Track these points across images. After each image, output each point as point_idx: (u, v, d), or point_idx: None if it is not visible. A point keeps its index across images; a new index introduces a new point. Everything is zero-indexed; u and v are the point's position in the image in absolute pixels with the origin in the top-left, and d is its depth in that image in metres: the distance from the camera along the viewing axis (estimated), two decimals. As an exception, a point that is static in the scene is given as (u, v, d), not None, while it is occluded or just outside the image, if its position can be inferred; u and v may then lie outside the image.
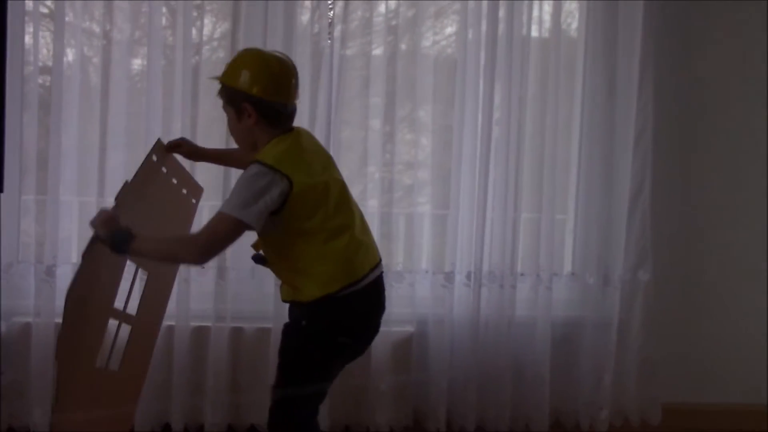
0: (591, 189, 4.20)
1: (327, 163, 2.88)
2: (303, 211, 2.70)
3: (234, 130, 2.83)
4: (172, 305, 3.58)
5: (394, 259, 4.14)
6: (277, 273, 2.90)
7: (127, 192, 2.91)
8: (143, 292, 3.13)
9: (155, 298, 3.25)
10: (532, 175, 4.17)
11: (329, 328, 2.78)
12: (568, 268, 4.30)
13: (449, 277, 4.10)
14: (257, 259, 2.90)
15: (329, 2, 4.09)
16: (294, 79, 2.82)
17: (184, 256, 2.73)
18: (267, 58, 2.82)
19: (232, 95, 2.76)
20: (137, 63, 4.08)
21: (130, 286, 3.10)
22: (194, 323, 3.95)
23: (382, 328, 3.04)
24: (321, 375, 2.84)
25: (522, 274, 4.17)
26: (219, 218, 2.64)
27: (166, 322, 3.54)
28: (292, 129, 2.85)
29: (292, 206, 2.67)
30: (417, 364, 4.08)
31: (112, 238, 2.66)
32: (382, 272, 2.94)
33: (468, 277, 4.09)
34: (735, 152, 4.36)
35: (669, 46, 4.24)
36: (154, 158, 3.12)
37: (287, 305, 2.92)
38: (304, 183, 2.68)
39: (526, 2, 4.11)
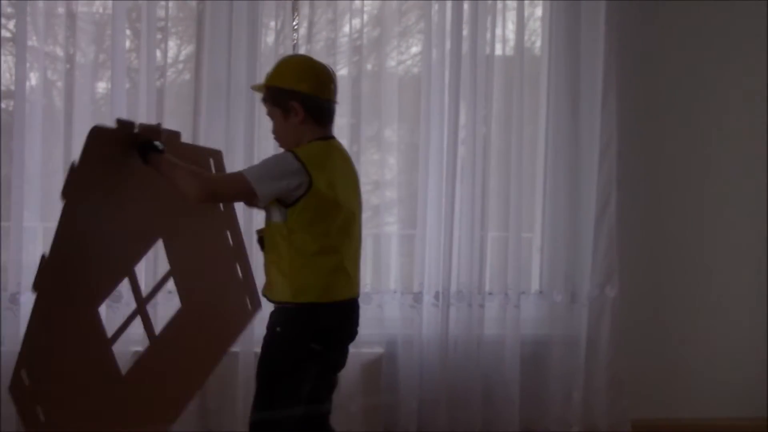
0: (557, 206, 4.22)
1: (350, 187, 2.94)
2: (308, 215, 2.76)
3: (280, 131, 2.91)
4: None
5: (362, 280, 4.10)
6: (265, 264, 2.94)
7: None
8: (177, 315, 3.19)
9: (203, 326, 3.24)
10: (499, 194, 4.20)
11: (302, 333, 2.83)
12: (535, 286, 4.31)
13: (417, 297, 4.11)
14: (260, 241, 2.95)
15: (294, 24, 4.09)
16: (334, 77, 2.95)
17: (189, 189, 2.74)
18: (311, 60, 3.04)
19: (279, 95, 2.86)
20: (102, 86, 4.07)
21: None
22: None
23: (352, 349, 3.03)
24: (297, 385, 2.85)
25: (490, 293, 4.18)
26: (235, 175, 2.81)
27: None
28: (332, 138, 2.93)
29: (301, 207, 2.75)
30: (387, 384, 4.07)
31: (145, 142, 2.82)
32: (357, 304, 3.00)
33: (436, 297, 4.09)
34: (702, 165, 4.40)
35: (631, 61, 4.28)
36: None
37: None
38: (321, 190, 2.75)
39: (489, 21, 4.14)
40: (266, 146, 3.97)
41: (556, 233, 4.23)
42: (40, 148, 3.93)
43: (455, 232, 4.11)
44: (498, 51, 4.20)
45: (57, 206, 3.78)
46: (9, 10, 3.94)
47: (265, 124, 3.97)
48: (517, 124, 4.18)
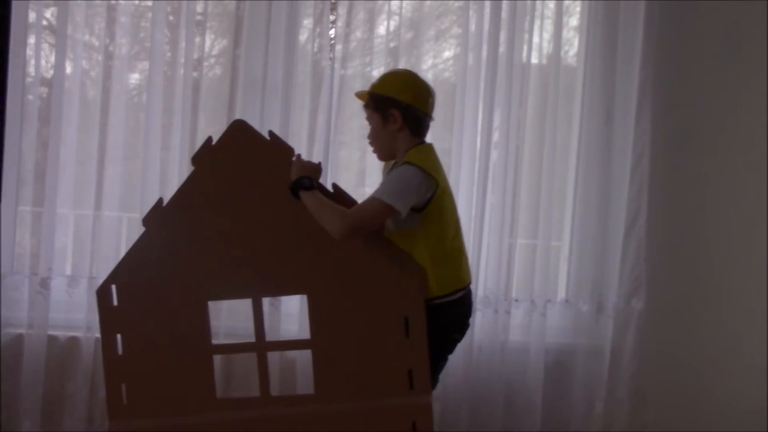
0: (587, 216, 4.20)
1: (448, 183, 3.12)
2: (436, 211, 2.97)
3: (377, 136, 3.11)
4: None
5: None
6: None
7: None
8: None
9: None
10: (529, 201, 4.18)
11: (447, 326, 3.05)
12: (562, 295, 4.29)
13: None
14: None
15: (332, 21, 4.11)
16: (433, 97, 3.14)
17: (332, 226, 2.83)
18: (414, 74, 3.19)
19: (380, 103, 3.06)
20: (135, 78, 4.11)
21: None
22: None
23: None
24: (435, 368, 3.07)
25: (516, 300, 4.17)
26: (371, 202, 2.89)
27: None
28: (425, 142, 3.12)
29: (433, 207, 2.96)
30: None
31: (298, 180, 2.92)
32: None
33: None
34: (734, 181, 4.34)
35: (668, 73, 4.25)
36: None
37: None
38: (444, 188, 2.99)
39: (526, 28, 4.14)
40: (297, 144, 4.03)
41: (584, 243, 4.21)
42: (75, 136, 3.97)
43: (484, 237, 4.11)
44: (534, 59, 4.20)
45: (90, 194, 3.93)
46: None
47: (297, 122, 4.07)
48: (550, 133, 4.17)
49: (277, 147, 3.01)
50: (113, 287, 2.96)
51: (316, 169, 3.02)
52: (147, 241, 2.99)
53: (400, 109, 3.02)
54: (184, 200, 2.99)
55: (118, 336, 2.96)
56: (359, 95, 3.17)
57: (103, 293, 2.96)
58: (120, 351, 2.96)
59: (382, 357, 2.97)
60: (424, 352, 2.94)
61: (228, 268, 3.00)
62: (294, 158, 3.02)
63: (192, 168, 3.03)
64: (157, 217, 2.99)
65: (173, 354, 2.99)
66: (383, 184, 2.95)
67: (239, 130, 3.01)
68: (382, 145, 3.12)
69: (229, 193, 2.99)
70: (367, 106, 3.12)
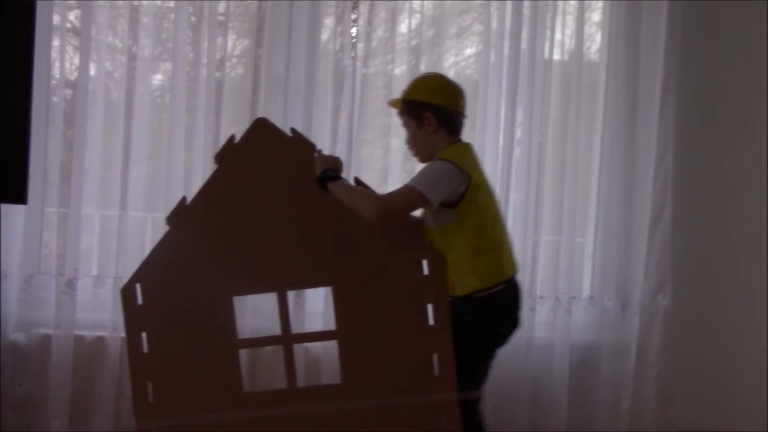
0: (611, 212, 4.19)
1: (486, 177, 3.17)
2: (472, 206, 3.02)
3: (415, 140, 3.18)
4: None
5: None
6: None
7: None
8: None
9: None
10: (553, 198, 4.17)
11: (489, 319, 3.07)
12: (586, 291, 4.27)
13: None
14: None
15: (353, 18, 4.11)
16: (463, 95, 3.21)
17: (366, 208, 2.91)
18: (443, 76, 3.31)
19: (414, 107, 3.14)
20: (158, 78, 4.13)
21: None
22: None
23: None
24: (483, 362, 3.14)
25: (541, 297, 4.15)
26: (404, 188, 2.98)
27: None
28: (461, 140, 3.18)
29: (468, 201, 3.00)
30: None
31: (323, 172, 3.00)
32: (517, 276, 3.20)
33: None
34: (759, 176, 4.31)
35: (692, 67, 4.22)
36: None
37: None
38: (479, 183, 3.04)
39: (548, 25, 4.14)
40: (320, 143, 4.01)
41: (609, 239, 4.19)
42: (99, 138, 4.00)
43: (508, 234, 4.09)
44: (556, 55, 4.18)
45: (115, 195, 3.95)
46: (72, 1, 4.01)
47: (319, 121, 4.07)
48: (573, 129, 4.16)
49: (299, 143, 3.07)
50: (138, 286, 3.01)
51: (338, 161, 3.11)
52: (171, 239, 3.05)
53: (433, 111, 3.10)
54: (208, 198, 3.06)
55: (143, 335, 3.00)
56: (393, 104, 3.25)
57: (127, 292, 3.01)
58: (145, 349, 3.00)
59: (407, 345, 3.02)
60: (447, 339, 2.99)
61: (252, 264, 3.05)
62: (316, 153, 3.09)
63: (215, 166, 3.09)
64: (181, 215, 3.05)
65: (199, 350, 3.02)
66: (417, 175, 3.03)
67: (261, 128, 3.09)
68: (421, 148, 3.19)
69: (252, 189, 3.06)
70: (401, 113, 3.20)
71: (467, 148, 3.16)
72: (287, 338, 3.07)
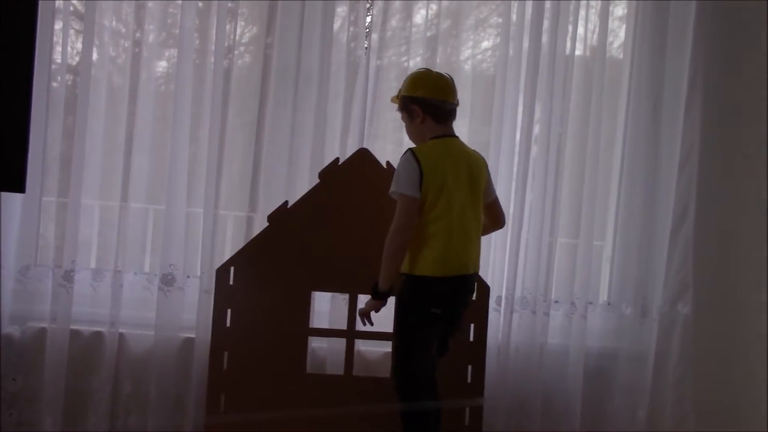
0: (631, 215, 4.10)
1: (460, 175, 3.33)
2: (425, 199, 3.26)
3: (409, 131, 3.46)
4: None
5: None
6: None
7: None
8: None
9: None
10: (571, 198, 4.09)
11: (424, 300, 3.30)
12: (603, 297, 4.18)
13: (480, 301, 3.98)
14: None
15: (367, 6, 3.99)
16: (449, 82, 3.42)
17: (394, 248, 3.25)
18: (427, 70, 3.51)
19: (404, 102, 3.41)
20: (163, 66, 4.03)
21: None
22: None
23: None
24: (422, 335, 3.33)
25: (556, 301, 4.06)
26: (398, 203, 3.27)
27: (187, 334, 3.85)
28: (450, 136, 3.40)
29: (423, 190, 3.25)
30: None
31: (376, 304, 3.36)
32: (473, 277, 3.43)
33: (498, 301, 3.96)
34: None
35: (719, 66, 4.12)
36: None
37: None
38: (429, 179, 3.24)
39: (570, 19, 4.03)
40: (330, 142, 3.95)
41: (628, 243, 4.10)
42: (101, 125, 3.89)
43: (523, 235, 3.99)
44: (578, 51, 4.07)
45: (116, 185, 3.85)
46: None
47: (331, 112, 3.98)
48: (594, 127, 4.07)
49: (390, 175, 3.39)
50: (232, 269, 3.63)
51: (377, 304, 3.37)
52: (268, 234, 3.66)
53: (418, 103, 3.36)
54: (307, 205, 3.67)
55: (228, 311, 3.63)
56: (393, 100, 3.51)
57: (222, 272, 3.62)
58: (228, 324, 3.63)
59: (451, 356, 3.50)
60: (482, 354, 3.73)
61: (333, 266, 3.69)
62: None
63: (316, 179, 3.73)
64: (281, 216, 3.65)
65: (275, 330, 3.65)
66: (394, 178, 3.30)
67: (362, 157, 3.73)
68: (415, 139, 3.44)
69: (344, 205, 3.68)
70: (399, 109, 3.47)
71: (444, 143, 3.36)
72: (351, 333, 3.72)
